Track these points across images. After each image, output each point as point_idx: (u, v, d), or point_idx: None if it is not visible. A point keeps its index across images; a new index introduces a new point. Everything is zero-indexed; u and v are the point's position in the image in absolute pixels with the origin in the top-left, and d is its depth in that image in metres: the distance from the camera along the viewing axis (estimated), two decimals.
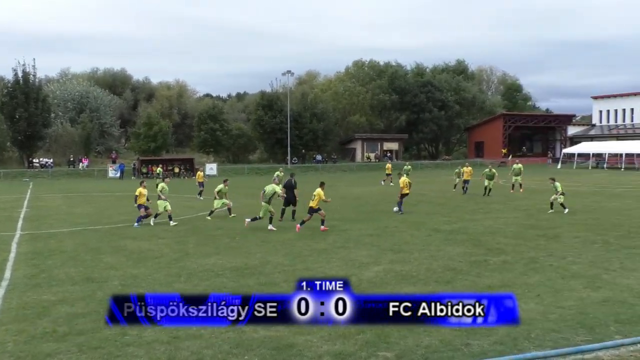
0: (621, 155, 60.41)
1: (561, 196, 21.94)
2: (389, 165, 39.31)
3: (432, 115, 79.12)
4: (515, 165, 32.33)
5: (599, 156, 64.77)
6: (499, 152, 74.88)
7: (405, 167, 37.69)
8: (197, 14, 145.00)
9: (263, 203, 18.30)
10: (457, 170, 33.20)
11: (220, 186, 22.18)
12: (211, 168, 56.80)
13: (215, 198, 21.82)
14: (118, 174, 54.95)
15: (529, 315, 8.56)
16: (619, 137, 73.21)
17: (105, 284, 11.14)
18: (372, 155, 74.07)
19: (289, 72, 65.17)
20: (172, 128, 75.43)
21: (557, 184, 22.20)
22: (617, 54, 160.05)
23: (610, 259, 12.75)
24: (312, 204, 17.73)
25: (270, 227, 17.95)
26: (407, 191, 22.53)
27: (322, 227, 17.49)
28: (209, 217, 21.25)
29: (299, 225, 17.63)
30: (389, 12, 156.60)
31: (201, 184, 32.17)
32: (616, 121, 79.80)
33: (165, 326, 5.54)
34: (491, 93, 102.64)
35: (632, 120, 78.06)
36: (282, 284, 10.88)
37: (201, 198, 29.96)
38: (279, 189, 18.73)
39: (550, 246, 14.44)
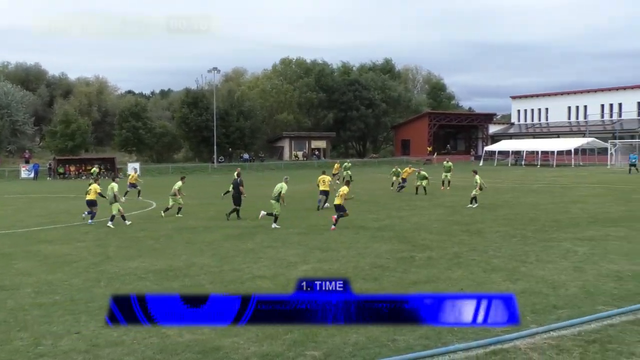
0: (537, 152, 63.54)
1: (478, 190, 23.01)
2: (337, 165, 39.49)
3: (360, 113, 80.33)
4: (445, 163, 33.56)
5: (517, 154, 67.85)
6: (425, 150, 76.96)
7: (345, 164, 38.77)
8: (118, 7, 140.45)
9: (272, 201, 18.37)
10: (394, 169, 34.07)
11: (179, 183, 22.23)
12: (134, 168, 55.13)
13: (174, 195, 21.85)
14: (32, 175, 52.41)
15: None
16: (535, 136, 77.08)
17: (17, 291, 10.61)
18: (299, 153, 74.29)
19: (215, 69, 64.26)
20: (91, 126, 72.70)
21: (477, 177, 23.27)
22: (533, 56, 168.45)
23: (528, 252, 13.39)
24: (339, 201, 17.66)
25: (274, 225, 17.95)
26: (326, 188, 23.01)
27: (333, 227, 17.25)
28: (163, 214, 21.46)
29: (334, 226, 17.31)
30: (317, 10, 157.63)
31: (133, 185, 31.17)
32: (533, 120, 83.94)
33: (84, 333, 5.31)
34: (417, 92, 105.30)
35: (547, 120, 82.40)
36: (208, 286, 10.73)
37: (123, 200, 28.99)
38: (286, 188, 18.62)
39: (473, 241, 14.99)
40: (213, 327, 8.22)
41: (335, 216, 17.59)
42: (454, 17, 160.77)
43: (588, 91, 78.66)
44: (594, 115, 73.72)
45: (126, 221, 19.62)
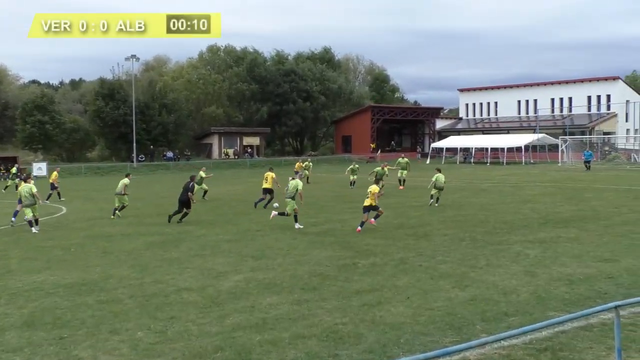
0: (487, 149, 65.52)
1: (434, 189, 24.09)
2: (298, 164, 39.57)
3: (297, 106, 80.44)
4: (401, 159, 34.08)
5: (466, 151, 69.74)
6: (368, 147, 77.90)
7: (306, 162, 39.49)
8: None
9: (287, 199, 18.96)
10: (351, 166, 34.92)
11: (126, 180, 22.63)
12: (40, 168, 53.20)
13: (123, 194, 22.47)
14: None
15: (398, 320, 9.00)
16: (484, 131, 79.46)
17: None
18: (230, 151, 73.64)
19: (133, 56, 62.69)
20: None
21: (440, 175, 24.36)
22: (481, 46, 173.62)
23: (477, 256, 13.79)
24: (370, 201, 17.92)
25: (297, 225, 18.61)
26: (269, 186, 23.83)
27: (372, 220, 18.24)
28: (112, 217, 21.99)
29: (359, 228, 17.86)
30: None
31: (53, 186, 30.21)
32: (482, 115, 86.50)
33: None
34: (358, 84, 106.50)
35: (496, 114, 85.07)
36: (128, 300, 10.48)
37: (47, 202, 28.14)
38: (301, 185, 19.40)
39: (420, 245, 15.30)
40: (134, 347, 8.04)
41: (373, 219, 18.30)
42: (397, 4, 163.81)
43: (538, 84, 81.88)
44: (544, 110, 76.74)
45: (33, 228, 19.05)
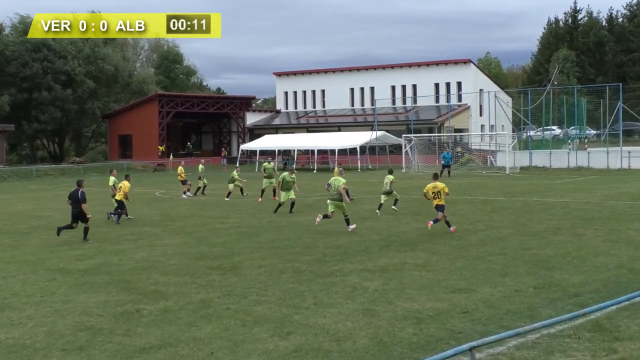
0: (313, 152, 67.61)
1: (385, 195, 27.93)
2: (181, 168, 39.66)
3: (54, 95, 77.47)
4: (200, 166, 38.46)
5: (286, 154, 71.49)
6: (155, 151, 77.02)
7: (265, 164, 39.82)
8: None
9: (332, 202, 23.54)
10: (234, 173, 37.87)
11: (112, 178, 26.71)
12: None
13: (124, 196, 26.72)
14: None
15: None
16: (310, 128, 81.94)
17: None
18: None
19: None
20: None
21: (391, 176, 28.54)
22: (302, 17, 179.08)
23: (303, 292, 14.12)
24: (440, 201, 22.69)
25: (350, 227, 23.02)
26: (120, 198, 27.31)
27: (451, 228, 22.45)
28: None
29: (432, 222, 22.57)
30: None
31: None
32: (305, 107, 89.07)
33: None
34: (140, 64, 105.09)
35: (324, 106, 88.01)
36: None
37: None
38: (344, 181, 23.98)
39: (228, 282, 15.35)
40: None
41: (447, 222, 22.53)
42: None
43: (375, 68, 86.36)
44: (383, 101, 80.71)
45: None
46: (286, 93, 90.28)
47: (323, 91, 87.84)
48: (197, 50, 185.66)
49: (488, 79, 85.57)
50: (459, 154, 65.60)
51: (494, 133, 70.38)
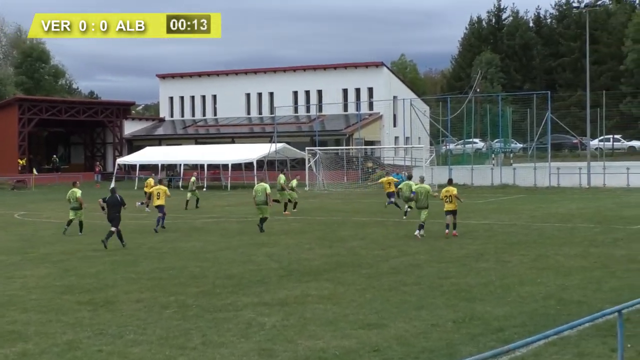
0: (202, 166, 67.11)
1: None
2: (150, 181, 40.43)
3: None
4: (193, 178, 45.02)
5: (171, 169, 70.82)
6: (15, 164, 75.13)
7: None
8: None
9: (415, 207, 28.84)
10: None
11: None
12: None
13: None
14: None
15: None
16: (199, 140, 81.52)
17: None
18: None
19: None
20: None
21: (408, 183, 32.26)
22: (189, 9, 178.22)
23: (189, 330, 14.00)
24: (451, 206, 27.45)
25: (419, 232, 27.22)
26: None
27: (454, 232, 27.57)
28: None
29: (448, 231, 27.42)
30: None
31: None
32: (194, 115, 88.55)
33: None
34: None
35: (215, 114, 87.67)
36: None
37: None
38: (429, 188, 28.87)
39: (100, 319, 15.09)
40: None
41: (453, 225, 27.58)
42: None
43: (275, 70, 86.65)
44: (284, 109, 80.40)
45: None
46: (171, 98, 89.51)
47: (214, 96, 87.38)
48: (66, 47, 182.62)
49: (403, 84, 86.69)
50: (370, 170, 66.20)
51: (410, 146, 70.87)
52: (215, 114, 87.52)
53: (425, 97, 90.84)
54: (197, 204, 43.74)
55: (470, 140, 71.46)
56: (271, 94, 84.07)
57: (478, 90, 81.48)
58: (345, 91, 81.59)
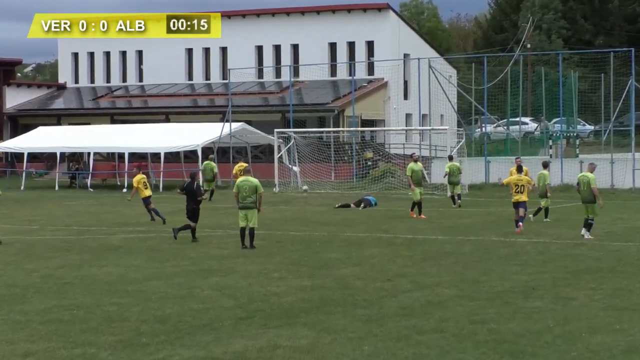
0: (123, 156, 66.88)
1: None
2: (138, 178, 41.14)
3: None
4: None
5: (76, 159, 70.70)
6: None
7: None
8: None
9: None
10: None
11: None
12: None
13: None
14: None
15: None
16: (116, 117, 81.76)
17: None
18: None
19: None
20: None
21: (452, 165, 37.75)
22: None
23: None
24: (522, 197, 32.04)
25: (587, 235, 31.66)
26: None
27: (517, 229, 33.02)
28: None
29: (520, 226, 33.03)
30: None
31: None
32: (109, 80, 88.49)
33: None
34: None
35: (140, 80, 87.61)
36: None
37: None
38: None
39: None
40: None
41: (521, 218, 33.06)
42: None
43: (230, 16, 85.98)
44: (241, 73, 78.97)
45: None
46: (76, 55, 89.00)
47: (140, 53, 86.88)
48: None
49: (418, 37, 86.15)
50: (370, 163, 65.94)
51: (428, 128, 70.39)
52: (140, 80, 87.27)
53: (451, 56, 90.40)
54: None
55: (517, 119, 71.23)
56: (223, 50, 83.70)
57: (529, 46, 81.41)
58: (333, 46, 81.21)
